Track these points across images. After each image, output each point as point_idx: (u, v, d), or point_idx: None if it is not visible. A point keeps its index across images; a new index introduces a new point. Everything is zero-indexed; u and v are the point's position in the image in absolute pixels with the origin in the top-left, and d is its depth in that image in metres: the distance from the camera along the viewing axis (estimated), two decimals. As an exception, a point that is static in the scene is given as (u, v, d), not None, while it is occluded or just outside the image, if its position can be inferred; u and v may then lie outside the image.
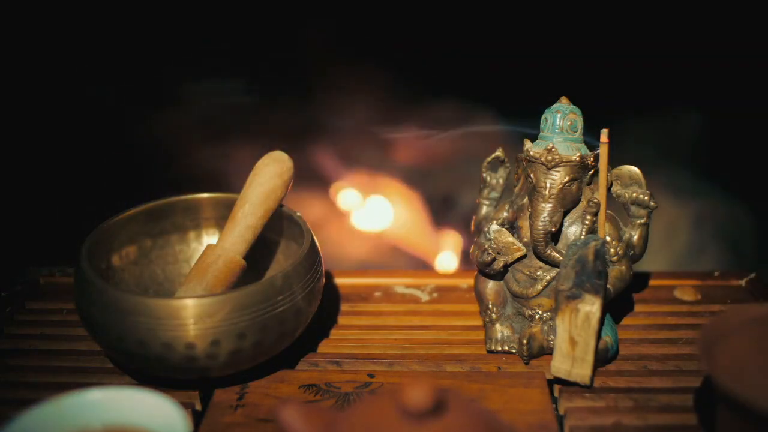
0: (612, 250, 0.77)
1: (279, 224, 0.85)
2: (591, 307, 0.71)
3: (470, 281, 0.89)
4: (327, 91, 1.17)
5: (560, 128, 0.77)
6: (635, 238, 0.79)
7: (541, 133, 0.78)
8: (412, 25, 1.15)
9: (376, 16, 1.15)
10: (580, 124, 0.77)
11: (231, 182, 0.89)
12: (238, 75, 1.16)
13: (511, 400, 0.72)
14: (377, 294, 0.92)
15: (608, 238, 0.78)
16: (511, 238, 0.77)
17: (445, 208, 1.26)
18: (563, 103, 0.78)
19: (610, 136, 0.75)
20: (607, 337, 0.76)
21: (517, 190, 0.82)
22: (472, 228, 0.87)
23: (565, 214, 0.78)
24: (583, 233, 0.77)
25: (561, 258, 0.76)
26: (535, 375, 0.76)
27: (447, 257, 1.26)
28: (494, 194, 0.86)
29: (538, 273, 0.78)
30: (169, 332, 0.69)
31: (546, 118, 0.78)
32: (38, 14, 1.09)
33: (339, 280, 0.93)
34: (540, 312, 0.78)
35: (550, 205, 0.76)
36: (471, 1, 1.15)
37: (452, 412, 0.53)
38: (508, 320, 0.81)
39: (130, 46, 1.12)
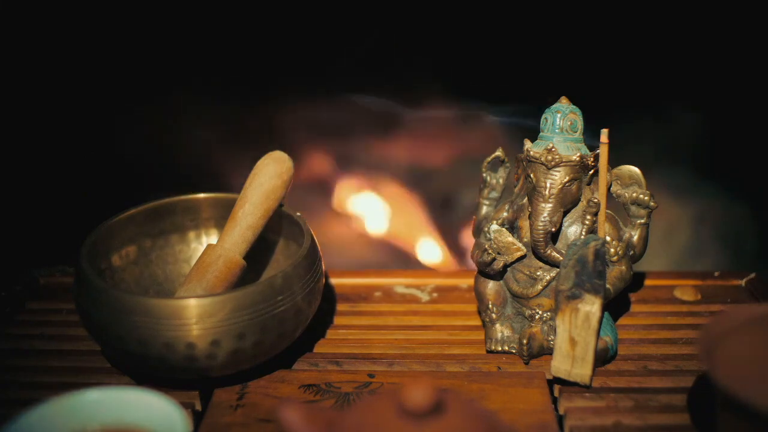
0: (612, 250, 0.77)
1: (279, 224, 0.85)
2: (591, 307, 0.71)
3: (470, 281, 0.89)
4: (327, 90, 1.17)
5: (560, 128, 0.77)
6: (635, 238, 0.79)
7: (541, 133, 0.78)
8: (412, 24, 1.15)
9: (376, 16, 1.15)
10: (580, 124, 0.77)
11: (231, 182, 0.88)
12: (238, 74, 1.16)
13: (511, 400, 0.72)
14: (377, 294, 0.92)
15: (608, 238, 0.78)
16: (511, 238, 0.77)
17: (445, 208, 1.26)
18: (563, 103, 0.78)
19: (610, 136, 0.75)
20: (607, 337, 0.76)
21: (517, 190, 0.82)
22: (472, 228, 0.88)
23: (565, 214, 0.78)
24: (583, 233, 0.77)
25: (561, 258, 0.76)
26: (535, 375, 0.76)
27: (447, 257, 1.26)
28: (494, 194, 0.86)
29: (538, 273, 0.78)
30: (169, 332, 0.69)
31: (546, 118, 0.78)
32: (38, 14, 1.09)
33: (339, 280, 0.93)
34: (540, 312, 0.78)
35: (550, 205, 0.76)
36: (470, 1, 1.14)
37: (452, 412, 0.53)
38: (508, 320, 0.81)
39: (130, 46, 1.12)
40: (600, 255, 0.74)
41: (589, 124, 0.77)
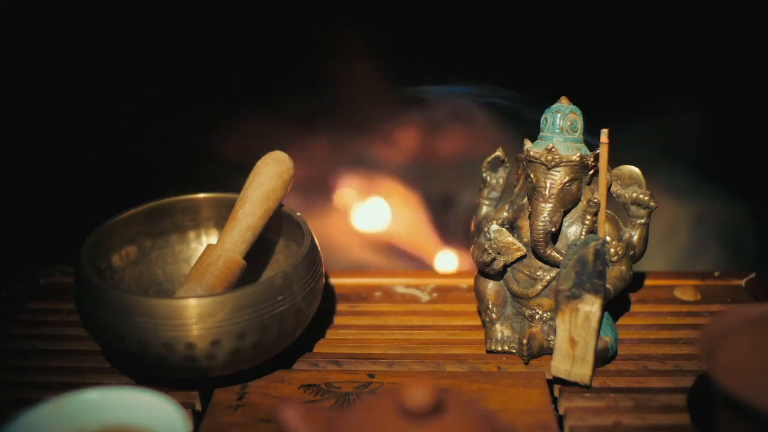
0: (612, 250, 0.77)
1: (279, 224, 0.85)
2: (591, 307, 0.71)
3: (470, 281, 0.90)
4: (327, 90, 1.17)
5: (560, 128, 0.77)
6: (635, 238, 0.79)
7: (541, 133, 0.78)
8: (412, 24, 1.15)
9: (377, 14, 1.15)
10: (580, 124, 0.77)
11: (231, 182, 0.88)
12: (238, 74, 1.16)
13: (511, 400, 0.72)
14: (377, 294, 0.92)
15: (608, 238, 0.78)
16: (511, 238, 0.77)
17: (445, 208, 1.26)
18: (563, 103, 0.78)
19: (610, 136, 0.75)
20: (607, 337, 0.76)
21: (517, 190, 0.82)
22: (472, 228, 0.88)
23: (565, 214, 0.78)
24: (583, 233, 0.77)
25: (561, 258, 0.76)
26: (535, 375, 0.76)
27: (447, 257, 1.26)
28: (494, 194, 0.86)
29: (538, 273, 0.78)
30: (169, 332, 0.69)
31: (546, 118, 0.78)
32: (39, 13, 1.09)
33: (339, 280, 0.93)
34: (540, 312, 0.78)
35: (550, 205, 0.76)
36: (470, 2, 1.14)
37: (452, 412, 0.53)
38: (508, 320, 0.81)
39: (130, 46, 1.12)
40: (600, 255, 0.74)
41: (589, 124, 0.77)
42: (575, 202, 0.78)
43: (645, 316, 0.86)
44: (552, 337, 0.77)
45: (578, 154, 0.76)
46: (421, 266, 1.25)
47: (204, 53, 1.14)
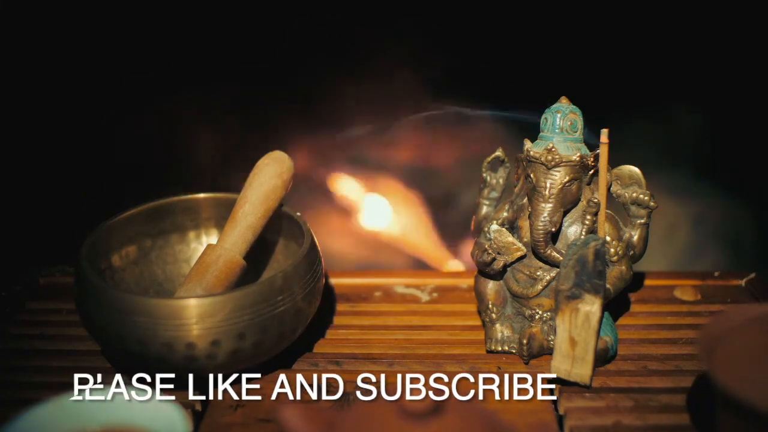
0: (612, 250, 0.77)
1: (279, 224, 0.85)
2: (591, 307, 0.71)
3: (470, 281, 0.90)
4: (327, 89, 1.17)
5: (560, 128, 0.77)
6: (635, 238, 0.79)
7: (541, 133, 0.78)
8: (412, 23, 1.15)
9: (377, 14, 1.15)
10: (580, 124, 0.77)
11: (231, 182, 0.88)
12: (237, 74, 1.16)
13: (511, 400, 0.72)
14: (377, 294, 0.92)
15: (608, 238, 0.78)
16: (511, 238, 0.77)
17: (445, 208, 1.26)
18: (563, 103, 0.78)
19: (610, 136, 0.75)
20: (607, 337, 0.76)
21: (517, 190, 0.82)
22: (472, 228, 0.88)
23: (565, 214, 0.78)
24: (583, 233, 0.77)
25: (561, 258, 0.76)
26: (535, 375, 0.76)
27: (447, 257, 1.26)
28: (494, 194, 0.86)
29: (538, 273, 0.78)
30: (169, 332, 0.69)
31: (546, 118, 0.78)
32: (38, 14, 1.09)
33: (339, 280, 0.93)
34: (540, 312, 0.79)
35: (550, 205, 0.76)
36: (470, 1, 1.14)
37: (452, 412, 0.53)
38: (508, 320, 0.81)
39: (128, 44, 1.12)
40: (600, 255, 0.74)
41: (589, 124, 0.77)
42: (575, 202, 0.78)
43: (645, 316, 0.86)
44: (552, 337, 0.77)
45: (578, 154, 0.76)
46: (421, 266, 1.25)
47: (204, 53, 1.14)
